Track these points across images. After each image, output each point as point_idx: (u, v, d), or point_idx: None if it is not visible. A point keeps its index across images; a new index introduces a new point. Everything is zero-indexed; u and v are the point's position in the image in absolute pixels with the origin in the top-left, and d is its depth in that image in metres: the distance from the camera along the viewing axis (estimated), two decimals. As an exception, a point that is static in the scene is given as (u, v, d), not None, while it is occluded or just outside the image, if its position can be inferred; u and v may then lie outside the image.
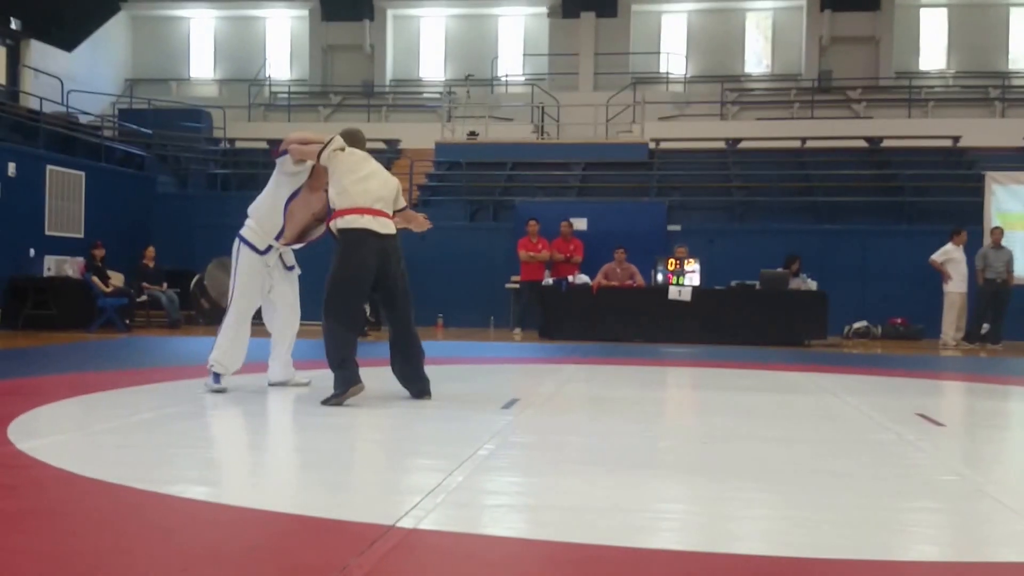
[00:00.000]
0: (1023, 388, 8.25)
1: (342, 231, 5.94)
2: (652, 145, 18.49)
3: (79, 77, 20.57)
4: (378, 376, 6.55)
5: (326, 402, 5.81)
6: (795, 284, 13.43)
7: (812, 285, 13.39)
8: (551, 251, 14.27)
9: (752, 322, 13.04)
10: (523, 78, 22.46)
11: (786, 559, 2.73)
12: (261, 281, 6.53)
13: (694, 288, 13.28)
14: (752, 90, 22.71)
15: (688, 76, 22.77)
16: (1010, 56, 22.14)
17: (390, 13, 23.67)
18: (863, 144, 18.41)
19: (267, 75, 23.56)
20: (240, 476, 4.00)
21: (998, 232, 13.73)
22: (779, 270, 13.57)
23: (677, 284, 13.39)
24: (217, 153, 19.89)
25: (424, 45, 23.93)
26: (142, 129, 19.04)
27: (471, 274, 15.67)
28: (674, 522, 3.22)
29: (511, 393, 6.53)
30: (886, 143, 18.25)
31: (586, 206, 15.94)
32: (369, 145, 19.76)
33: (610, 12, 22.72)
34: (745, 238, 15.55)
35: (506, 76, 22.79)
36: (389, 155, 19.22)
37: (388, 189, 6.16)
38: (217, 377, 6.35)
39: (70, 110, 18.04)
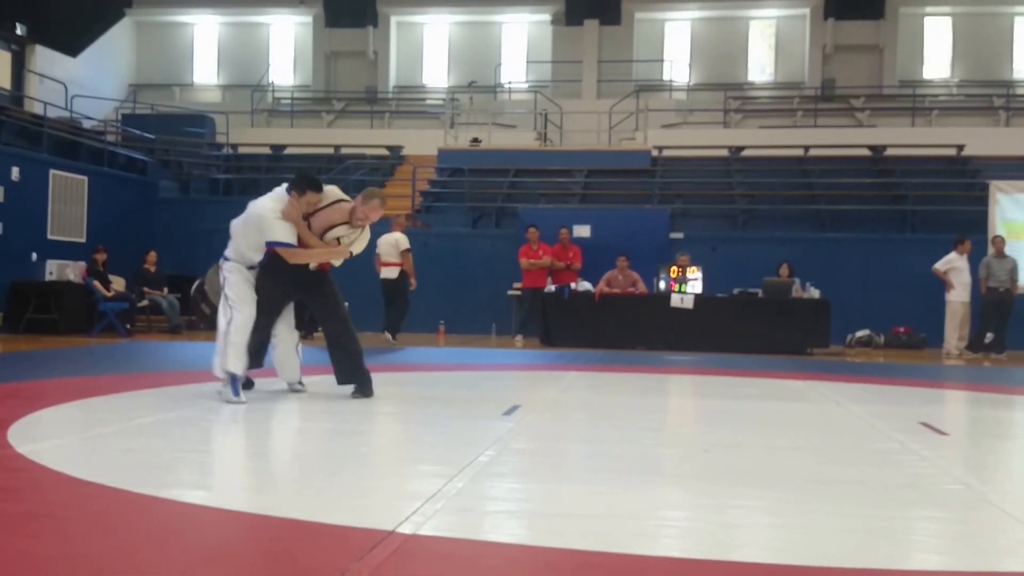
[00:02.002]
0: (1026, 397, 8.22)
1: None
2: (655, 153, 18.50)
3: (83, 82, 20.63)
4: (379, 382, 6.55)
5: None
6: (794, 293, 13.37)
7: (815, 293, 13.34)
8: (552, 257, 14.23)
9: (754, 330, 12.99)
10: (526, 85, 22.51)
11: (788, 567, 2.71)
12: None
13: (696, 296, 13.26)
14: (755, 98, 22.73)
15: (691, 84, 22.81)
16: (1014, 65, 22.15)
17: (394, 20, 23.71)
18: (866, 153, 18.41)
19: (270, 81, 23.63)
20: (240, 481, 3.99)
21: (1000, 241, 13.69)
22: (776, 278, 13.53)
23: (679, 292, 13.37)
24: (220, 158, 19.95)
25: (428, 52, 23.97)
26: (145, 134, 19.08)
27: (473, 281, 15.67)
28: (676, 529, 3.21)
29: (512, 400, 6.51)
30: (889, 152, 18.24)
31: (589, 213, 15.93)
32: (372, 152, 19.84)
33: (614, 20, 22.75)
34: (748, 246, 15.51)
35: (509, 83, 22.85)
36: (392, 161, 19.25)
37: None
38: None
39: (74, 115, 18.08)
